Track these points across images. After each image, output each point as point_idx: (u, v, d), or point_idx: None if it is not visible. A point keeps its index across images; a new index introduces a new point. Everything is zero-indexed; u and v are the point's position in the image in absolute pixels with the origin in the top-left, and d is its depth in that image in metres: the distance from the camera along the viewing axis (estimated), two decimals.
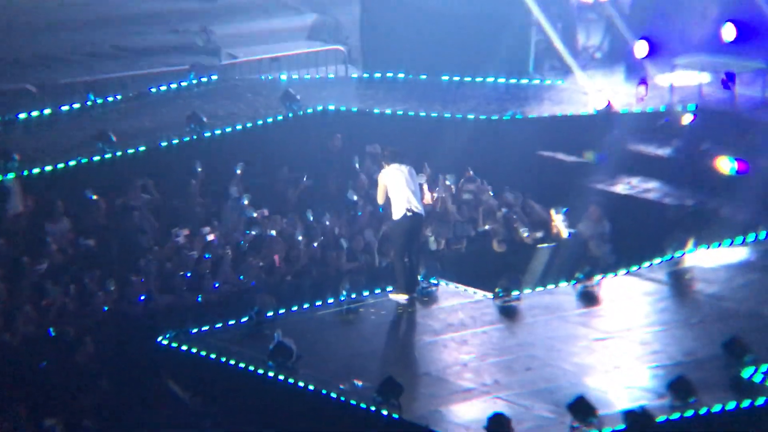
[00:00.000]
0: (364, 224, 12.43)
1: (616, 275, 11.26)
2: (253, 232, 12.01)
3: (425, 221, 11.25)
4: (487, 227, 12.55)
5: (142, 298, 11.05)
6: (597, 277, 10.98)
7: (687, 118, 13.81)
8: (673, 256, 11.49)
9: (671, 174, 13.34)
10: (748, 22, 14.68)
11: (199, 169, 12.54)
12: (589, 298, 10.79)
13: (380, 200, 10.73)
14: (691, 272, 11.25)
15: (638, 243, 12.14)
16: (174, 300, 11.20)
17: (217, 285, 11.31)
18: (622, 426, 8.47)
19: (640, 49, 15.04)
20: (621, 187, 13.39)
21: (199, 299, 11.24)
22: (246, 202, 12.35)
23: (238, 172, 12.67)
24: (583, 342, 9.98)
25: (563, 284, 11.17)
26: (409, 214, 10.49)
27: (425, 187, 11.71)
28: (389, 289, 10.77)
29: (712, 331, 9.95)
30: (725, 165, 12.80)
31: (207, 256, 11.51)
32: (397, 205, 10.54)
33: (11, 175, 11.82)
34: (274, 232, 12.04)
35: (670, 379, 8.96)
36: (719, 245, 11.64)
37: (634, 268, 11.36)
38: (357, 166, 13.20)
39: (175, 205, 12.39)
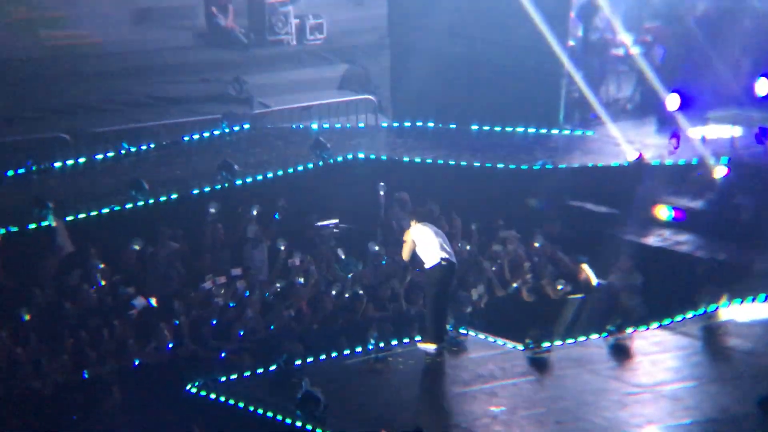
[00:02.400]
0: (390, 273, 12.41)
1: (648, 328, 11.13)
2: (282, 282, 12.03)
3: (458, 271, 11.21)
4: (515, 285, 12.46)
5: (171, 345, 11.07)
6: (629, 330, 10.85)
7: (720, 171, 13.74)
8: (706, 311, 11.34)
9: (704, 227, 13.23)
10: None
11: (212, 210, 12.49)
12: (620, 352, 10.66)
13: (406, 257, 10.68)
14: (725, 327, 11.09)
15: (670, 296, 12.00)
16: (202, 348, 11.20)
17: (242, 333, 11.30)
18: None
19: (672, 101, 15.03)
20: (653, 239, 13.30)
21: (227, 347, 11.23)
22: (282, 248, 12.38)
23: (254, 213, 12.68)
24: (615, 396, 9.84)
25: (594, 336, 11.05)
26: (444, 263, 10.46)
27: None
28: (418, 338, 10.70)
29: (747, 387, 9.78)
30: (663, 213, 12.81)
31: (231, 304, 11.51)
32: (429, 254, 10.51)
33: (46, 223, 11.96)
34: (302, 280, 12.05)
35: None
36: (753, 300, 11.49)
37: (667, 321, 11.22)
38: (382, 214, 13.23)
39: (203, 253, 12.44)
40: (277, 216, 12.83)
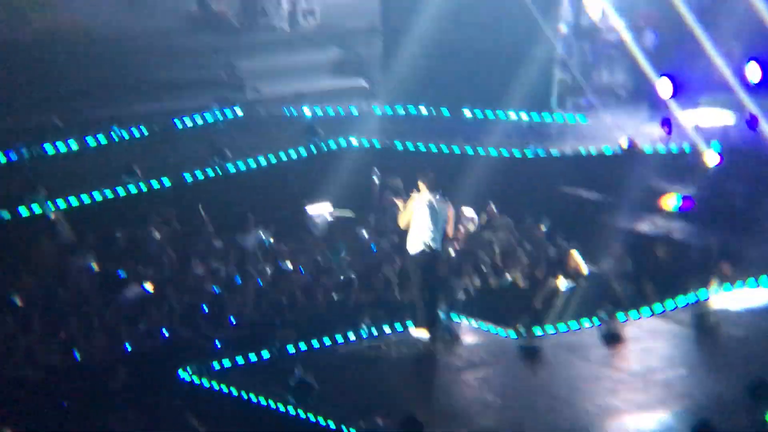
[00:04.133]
0: (382, 260, 12.42)
1: (639, 316, 11.17)
2: (272, 267, 12.03)
3: (458, 260, 11.20)
4: (508, 274, 12.48)
5: (164, 332, 11.07)
6: (620, 318, 10.89)
7: (712, 158, 13.77)
8: (697, 297, 11.39)
9: (696, 214, 13.26)
10: None
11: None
12: (612, 339, 10.70)
13: (402, 224, 10.65)
14: (716, 314, 11.14)
15: (662, 283, 12.05)
16: (195, 335, 11.21)
17: (234, 320, 11.31)
18: None
19: (664, 87, 15.04)
20: (645, 226, 13.33)
21: (221, 334, 11.24)
22: (266, 235, 12.38)
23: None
24: (606, 383, 9.89)
25: (586, 324, 11.09)
26: (427, 250, 10.47)
27: (450, 218, 11.56)
28: (410, 324, 10.72)
29: (737, 374, 9.84)
30: (671, 202, 12.81)
31: (216, 289, 11.48)
32: (414, 240, 10.52)
33: (51, 207, 11.94)
34: (290, 265, 12.04)
35: (694, 422, 8.85)
36: (744, 286, 11.53)
37: (658, 308, 11.26)
38: (375, 200, 13.22)
39: (194, 238, 12.43)
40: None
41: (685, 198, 12.85)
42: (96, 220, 12.23)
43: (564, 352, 10.49)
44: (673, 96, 14.85)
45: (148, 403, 10.31)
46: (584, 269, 12.59)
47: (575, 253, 12.65)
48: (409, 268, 10.84)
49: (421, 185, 10.54)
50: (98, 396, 10.38)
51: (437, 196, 10.56)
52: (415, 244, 10.52)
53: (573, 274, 12.53)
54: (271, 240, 12.50)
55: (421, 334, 10.59)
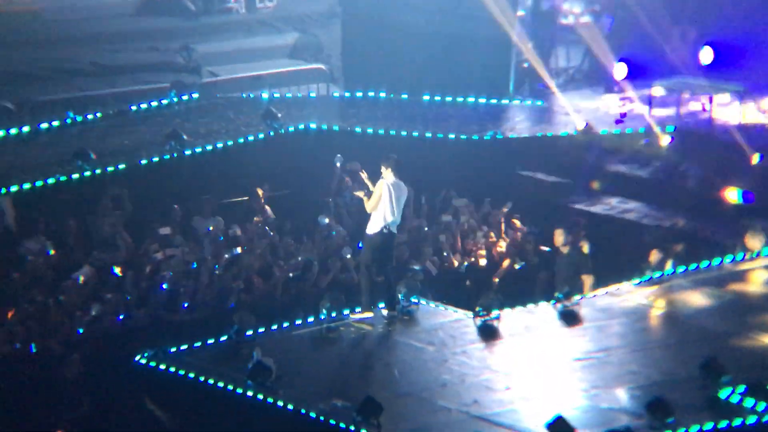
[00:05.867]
0: (340, 244, 12.43)
1: (595, 296, 11.30)
2: (228, 252, 11.98)
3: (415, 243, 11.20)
4: (467, 257, 12.53)
5: (121, 317, 10.98)
6: (576, 298, 11.02)
7: (666, 140, 13.95)
8: (651, 277, 11.55)
9: (650, 195, 13.43)
10: (726, 46, 14.86)
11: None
12: (568, 318, 10.82)
13: (370, 209, 10.56)
14: (670, 293, 11.31)
15: (617, 263, 12.19)
16: (151, 318, 11.13)
17: (186, 305, 11.25)
18: None
19: (619, 70, 15.18)
20: (600, 208, 13.47)
21: (176, 318, 11.18)
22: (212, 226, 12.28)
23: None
24: (563, 362, 10.00)
25: (543, 304, 11.20)
26: (385, 231, 10.51)
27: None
28: (357, 309, 10.69)
29: (690, 352, 9.99)
30: (733, 195, 12.86)
31: (170, 274, 11.39)
32: (375, 220, 10.54)
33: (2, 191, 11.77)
34: (239, 250, 11.97)
35: (647, 399, 8.99)
36: (697, 266, 11.72)
37: (613, 288, 11.41)
38: (335, 185, 13.21)
39: (150, 221, 12.33)
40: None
41: (746, 192, 12.80)
42: (49, 205, 12.06)
43: (521, 331, 10.58)
44: (629, 78, 15.03)
45: (104, 388, 10.24)
46: (540, 249, 12.69)
47: (527, 232, 12.74)
48: (363, 247, 10.82)
49: (384, 169, 10.55)
50: (52, 382, 10.28)
51: (399, 182, 10.56)
52: (374, 225, 10.53)
53: (527, 254, 12.63)
54: (227, 225, 12.42)
55: (365, 315, 10.58)
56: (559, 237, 11.93)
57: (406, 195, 10.70)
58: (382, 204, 10.49)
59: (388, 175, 10.54)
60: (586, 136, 14.19)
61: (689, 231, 12.61)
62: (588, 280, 11.60)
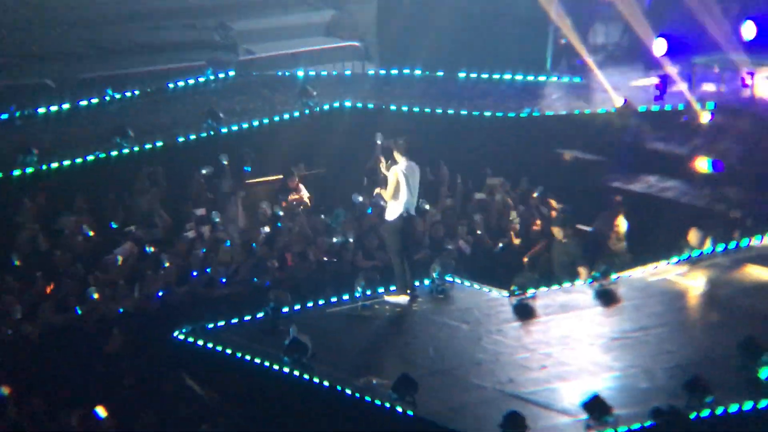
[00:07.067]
0: (376, 222, 12.44)
1: (632, 274, 11.21)
2: (267, 229, 12.05)
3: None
4: (500, 244, 12.44)
5: (160, 293, 11.11)
6: (613, 276, 10.93)
7: (706, 116, 13.74)
8: (690, 256, 11.43)
9: (689, 173, 13.27)
10: None
11: (204, 172, 12.50)
12: (605, 297, 10.75)
13: (389, 197, 10.52)
14: (708, 272, 11.19)
15: (655, 242, 12.08)
16: (190, 295, 11.24)
17: (224, 280, 11.34)
18: (638, 425, 8.44)
19: (659, 46, 14.96)
20: (638, 186, 13.34)
21: (214, 294, 11.28)
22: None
23: (225, 163, 12.60)
24: (599, 341, 9.95)
25: (579, 282, 11.13)
26: (405, 215, 10.47)
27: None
28: (392, 289, 10.68)
29: (729, 331, 9.89)
30: (703, 165, 12.78)
31: (203, 250, 11.43)
32: (395, 206, 10.49)
33: (30, 170, 11.93)
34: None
35: (686, 378, 8.92)
36: (737, 245, 11.57)
37: (651, 266, 11.31)
38: (372, 163, 13.21)
39: (185, 200, 12.42)
40: (248, 169, 12.75)
41: (715, 161, 12.74)
42: (88, 182, 12.20)
43: (557, 310, 10.53)
44: (668, 55, 14.80)
45: (142, 363, 10.38)
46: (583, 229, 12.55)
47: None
48: (388, 235, 10.73)
49: (396, 153, 10.50)
50: (92, 356, 10.45)
51: (413, 164, 10.49)
52: (394, 211, 10.48)
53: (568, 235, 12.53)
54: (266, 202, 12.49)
55: (400, 299, 10.58)
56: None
57: (419, 173, 10.61)
58: (400, 191, 10.44)
59: (400, 159, 10.48)
60: (625, 113, 14.02)
61: (728, 208, 12.42)
62: (584, 271, 11.47)
